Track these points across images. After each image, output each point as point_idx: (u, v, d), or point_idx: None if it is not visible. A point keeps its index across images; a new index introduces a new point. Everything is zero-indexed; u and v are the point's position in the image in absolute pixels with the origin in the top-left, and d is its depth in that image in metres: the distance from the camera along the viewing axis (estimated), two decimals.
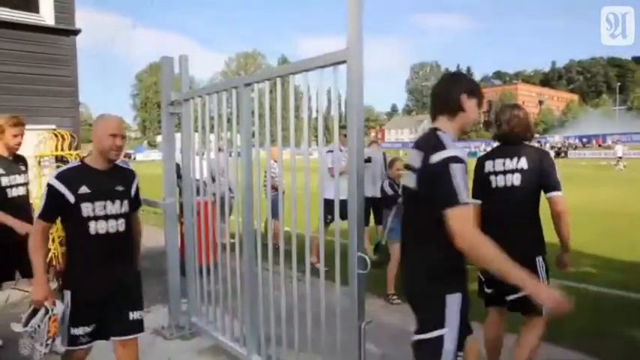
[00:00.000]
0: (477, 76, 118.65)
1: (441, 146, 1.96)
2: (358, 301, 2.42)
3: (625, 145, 36.41)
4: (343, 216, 2.62)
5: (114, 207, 2.54)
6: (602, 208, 11.52)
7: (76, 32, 6.21)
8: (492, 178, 2.94)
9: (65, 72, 6.11)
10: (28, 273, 3.40)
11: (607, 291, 5.29)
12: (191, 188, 4.09)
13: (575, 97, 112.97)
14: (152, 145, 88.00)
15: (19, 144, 3.69)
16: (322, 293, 2.73)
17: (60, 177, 2.45)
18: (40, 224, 2.52)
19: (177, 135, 4.20)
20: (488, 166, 2.98)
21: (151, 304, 4.72)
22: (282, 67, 3.00)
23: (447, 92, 2.14)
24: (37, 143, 5.78)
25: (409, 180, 2.11)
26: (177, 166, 4.46)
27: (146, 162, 46.92)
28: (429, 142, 2.03)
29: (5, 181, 3.65)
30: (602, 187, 17.50)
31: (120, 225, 2.57)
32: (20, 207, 3.72)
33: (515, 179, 2.84)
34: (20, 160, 3.88)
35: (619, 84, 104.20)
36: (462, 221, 1.86)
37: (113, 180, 2.58)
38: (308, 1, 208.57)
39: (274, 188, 6.46)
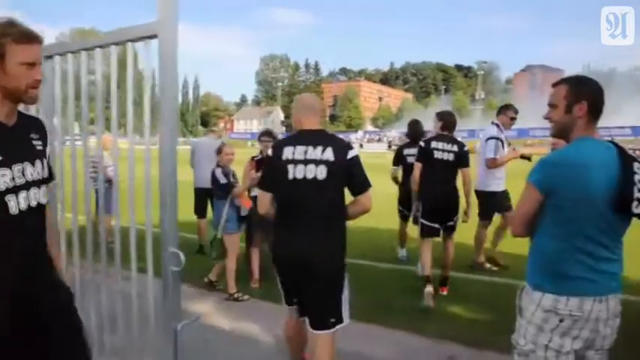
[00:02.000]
0: (325, 72, 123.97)
1: None
2: (173, 300, 2.21)
3: None
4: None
5: None
6: None
7: None
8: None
9: None
10: None
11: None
12: None
13: (410, 96, 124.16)
14: None
15: (39, 83, 1.77)
16: (134, 294, 2.46)
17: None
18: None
19: None
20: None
21: None
22: (89, 40, 2.62)
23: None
24: None
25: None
26: None
27: None
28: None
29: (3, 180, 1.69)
30: None
31: None
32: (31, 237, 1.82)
33: None
34: (33, 127, 1.90)
35: (444, 87, 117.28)
36: None
37: None
38: None
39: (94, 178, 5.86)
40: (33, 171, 1.79)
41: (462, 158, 4.87)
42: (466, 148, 4.92)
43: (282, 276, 2.87)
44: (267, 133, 5.50)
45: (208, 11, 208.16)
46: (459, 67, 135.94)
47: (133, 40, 2.25)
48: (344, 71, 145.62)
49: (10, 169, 1.70)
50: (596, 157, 1.95)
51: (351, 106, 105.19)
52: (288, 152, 2.71)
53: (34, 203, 1.78)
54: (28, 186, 1.76)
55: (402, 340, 3.95)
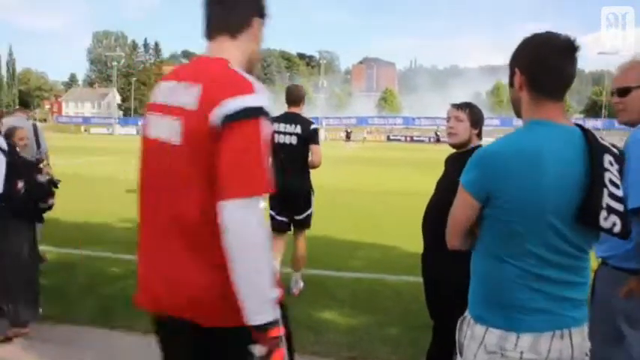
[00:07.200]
0: (166, 53, 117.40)
1: None
2: None
3: None
4: None
5: None
6: None
7: None
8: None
9: None
10: None
11: None
12: None
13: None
14: None
15: None
16: None
17: None
18: None
19: None
20: None
21: None
22: None
23: None
24: None
25: None
26: None
27: None
28: None
29: None
30: None
31: None
32: None
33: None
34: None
35: (288, 74, 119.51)
36: None
37: None
38: None
39: None
40: None
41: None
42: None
43: None
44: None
45: None
46: (301, 56, 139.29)
47: None
48: (186, 54, 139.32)
49: None
50: (550, 148, 1.42)
51: None
52: None
53: None
54: None
55: None
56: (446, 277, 2.58)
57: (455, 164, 2.77)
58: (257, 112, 1.33)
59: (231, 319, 1.33)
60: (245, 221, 1.27)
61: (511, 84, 1.56)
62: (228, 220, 1.27)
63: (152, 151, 1.52)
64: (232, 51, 1.50)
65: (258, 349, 1.29)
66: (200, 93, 1.36)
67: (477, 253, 1.59)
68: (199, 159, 1.35)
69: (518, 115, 1.57)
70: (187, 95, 1.39)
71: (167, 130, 1.43)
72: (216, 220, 1.30)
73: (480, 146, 2.71)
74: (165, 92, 1.51)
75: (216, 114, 1.31)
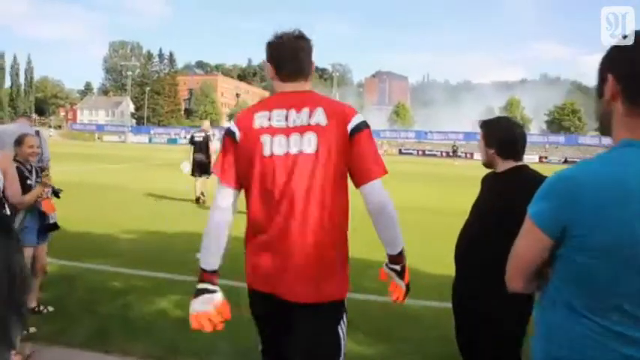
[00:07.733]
0: (180, 63, 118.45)
1: None
2: None
3: None
4: None
5: None
6: None
7: None
8: None
9: None
10: None
11: None
12: None
13: (267, 93, 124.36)
14: None
15: None
16: None
17: None
18: None
19: None
20: None
21: None
22: None
23: None
24: None
25: None
26: None
27: None
28: None
29: None
30: None
31: None
32: None
33: None
34: None
35: None
36: None
37: None
38: None
39: None
40: None
41: None
42: None
43: None
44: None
45: None
46: (314, 68, 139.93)
47: None
48: (200, 64, 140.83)
49: None
50: None
51: (208, 100, 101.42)
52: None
53: None
54: None
55: None
56: (478, 309, 2.34)
57: (491, 186, 2.57)
58: (367, 123, 1.93)
59: (330, 295, 1.92)
60: (385, 192, 1.89)
61: (600, 94, 1.25)
62: (377, 193, 1.87)
63: (279, 165, 1.85)
64: (307, 88, 2.02)
65: (398, 267, 2.00)
66: (326, 113, 1.87)
67: (545, 299, 1.30)
68: (333, 159, 1.83)
69: (606, 132, 1.27)
70: (315, 116, 1.87)
71: (297, 144, 1.85)
72: (334, 207, 1.87)
73: (516, 168, 2.46)
74: (277, 118, 1.90)
75: (350, 126, 1.87)
